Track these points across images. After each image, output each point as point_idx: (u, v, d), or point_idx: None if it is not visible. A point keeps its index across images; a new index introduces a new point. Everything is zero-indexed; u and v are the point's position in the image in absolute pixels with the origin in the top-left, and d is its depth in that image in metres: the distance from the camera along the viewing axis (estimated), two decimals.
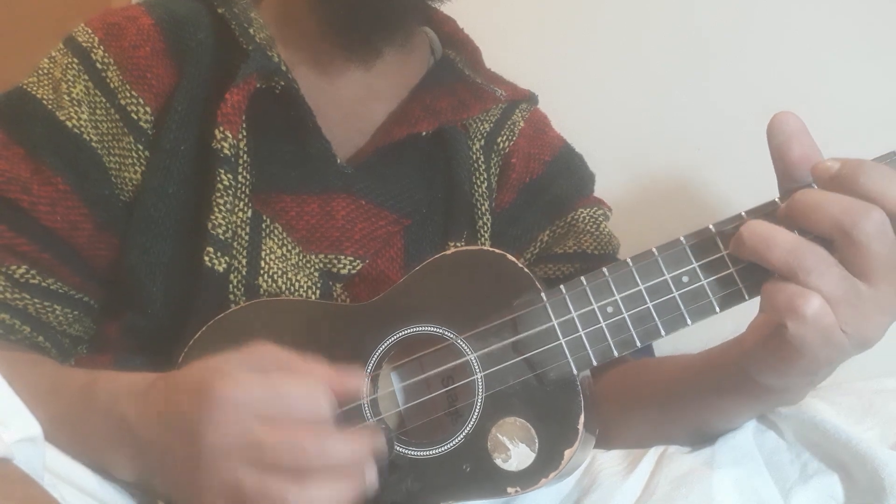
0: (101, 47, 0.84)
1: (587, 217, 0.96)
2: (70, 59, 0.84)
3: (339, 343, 0.75)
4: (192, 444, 0.61)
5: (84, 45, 0.84)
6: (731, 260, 0.64)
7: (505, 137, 0.97)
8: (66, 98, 0.82)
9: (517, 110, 1.00)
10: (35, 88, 0.83)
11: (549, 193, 0.97)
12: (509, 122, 0.98)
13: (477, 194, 0.92)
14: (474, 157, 0.93)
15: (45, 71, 0.84)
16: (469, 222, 0.92)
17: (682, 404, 0.79)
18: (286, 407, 0.61)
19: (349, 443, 0.61)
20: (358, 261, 0.86)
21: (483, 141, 0.95)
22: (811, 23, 1.21)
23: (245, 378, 0.61)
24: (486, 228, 0.92)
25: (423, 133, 0.90)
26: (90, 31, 0.85)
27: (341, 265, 0.86)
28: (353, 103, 0.92)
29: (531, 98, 1.04)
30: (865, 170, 0.59)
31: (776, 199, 0.64)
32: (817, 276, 0.58)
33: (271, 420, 0.60)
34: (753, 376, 0.68)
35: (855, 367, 0.66)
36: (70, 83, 0.83)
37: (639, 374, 0.88)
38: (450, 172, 0.92)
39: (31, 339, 0.81)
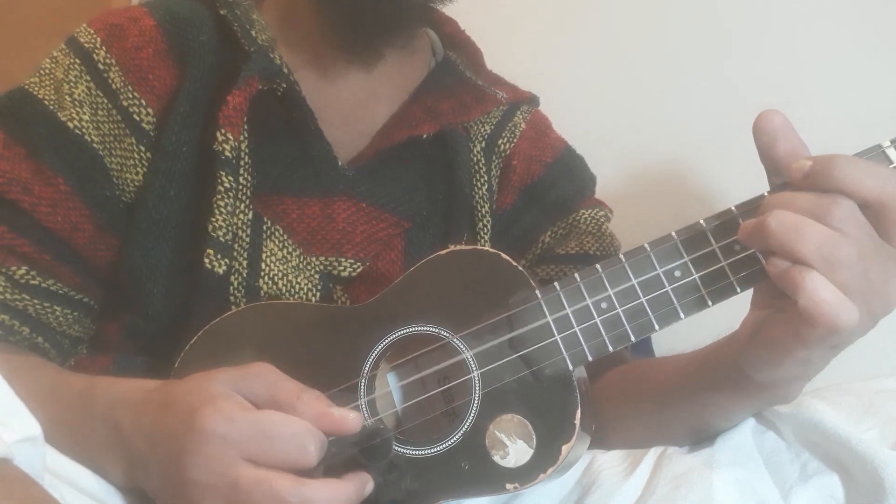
0: (104, 48, 0.84)
1: (589, 218, 0.96)
2: (72, 60, 0.84)
3: (335, 344, 0.75)
4: (176, 471, 0.62)
5: (86, 45, 0.85)
6: (722, 254, 0.64)
7: (506, 139, 0.97)
8: (68, 99, 0.82)
9: (518, 112, 1.00)
10: (37, 89, 0.83)
11: (550, 195, 0.97)
12: (510, 125, 0.98)
13: (477, 196, 0.92)
14: (475, 159, 0.93)
15: (47, 71, 0.84)
16: (469, 224, 0.92)
17: (679, 403, 0.79)
18: (272, 449, 0.61)
19: (330, 492, 0.61)
20: (358, 263, 0.86)
21: (484, 143, 0.95)
22: (806, 20, 1.21)
23: (234, 412, 0.61)
24: (486, 230, 0.92)
25: (424, 136, 0.90)
26: (92, 31, 0.85)
27: (342, 268, 0.86)
28: (355, 105, 0.92)
29: (532, 100, 1.03)
30: (838, 163, 0.59)
31: (765, 193, 0.64)
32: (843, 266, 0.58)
33: (256, 459, 0.61)
34: (749, 372, 0.68)
35: (855, 367, 0.66)
36: (72, 84, 0.83)
37: (637, 374, 0.87)
38: (450, 175, 0.92)
39: (30, 339, 0.81)
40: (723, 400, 0.74)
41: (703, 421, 0.78)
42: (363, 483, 0.65)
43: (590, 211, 0.97)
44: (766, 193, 0.64)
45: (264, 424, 0.61)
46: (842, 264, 0.57)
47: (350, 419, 0.64)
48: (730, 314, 0.70)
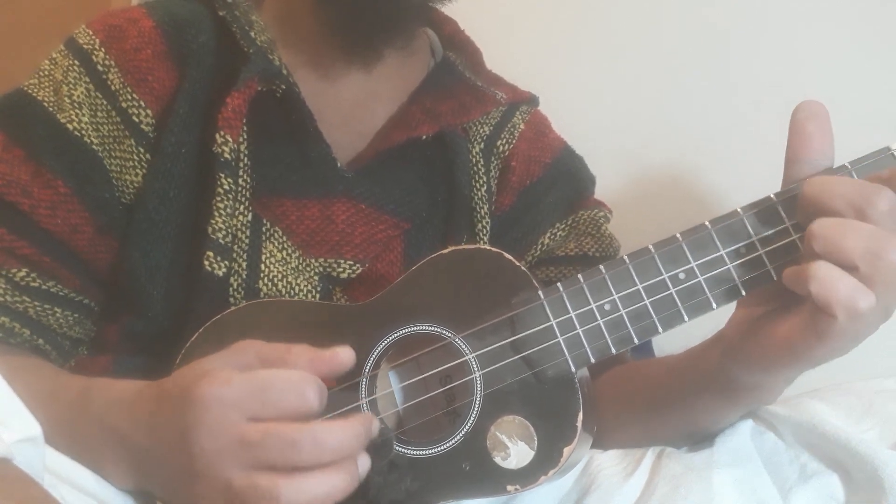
0: (103, 49, 0.84)
1: (588, 219, 0.96)
2: (71, 62, 0.84)
3: (336, 343, 0.74)
4: (183, 451, 0.61)
5: (85, 47, 0.84)
6: (727, 256, 0.64)
7: (505, 140, 0.97)
8: (67, 100, 0.82)
9: (517, 113, 1.00)
10: (36, 90, 0.83)
11: (549, 196, 0.97)
12: (509, 125, 0.98)
13: (477, 197, 0.92)
14: (474, 160, 0.93)
15: (46, 73, 0.84)
16: (469, 225, 0.92)
17: (667, 405, 0.80)
18: (273, 402, 0.60)
19: (340, 432, 0.61)
20: (358, 265, 0.86)
21: (483, 144, 0.95)
22: (806, 20, 1.21)
23: (229, 376, 0.61)
24: (485, 231, 0.92)
25: (424, 137, 0.90)
26: (91, 32, 0.85)
27: (341, 269, 0.86)
28: (354, 106, 0.92)
29: (532, 100, 1.03)
30: None
31: (771, 195, 0.64)
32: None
33: (259, 415, 0.60)
34: (735, 373, 0.68)
35: (855, 368, 0.66)
36: (71, 85, 0.83)
37: (630, 375, 0.88)
38: (450, 176, 0.92)
39: (31, 341, 0.80)
40: (707, 402, 0.75)
41: (691, 422, 0.78)
42: (369, 419, 0.64)
43: (589, 212, 0.97)
44: (772, 196, 0.64)
45: (260, 380, 0.61)
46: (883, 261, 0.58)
47: (340, 354, 0.64)
48: (729, 314, 0.70)
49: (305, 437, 0.59)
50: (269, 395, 0.60)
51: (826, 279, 0.58)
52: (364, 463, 0.63)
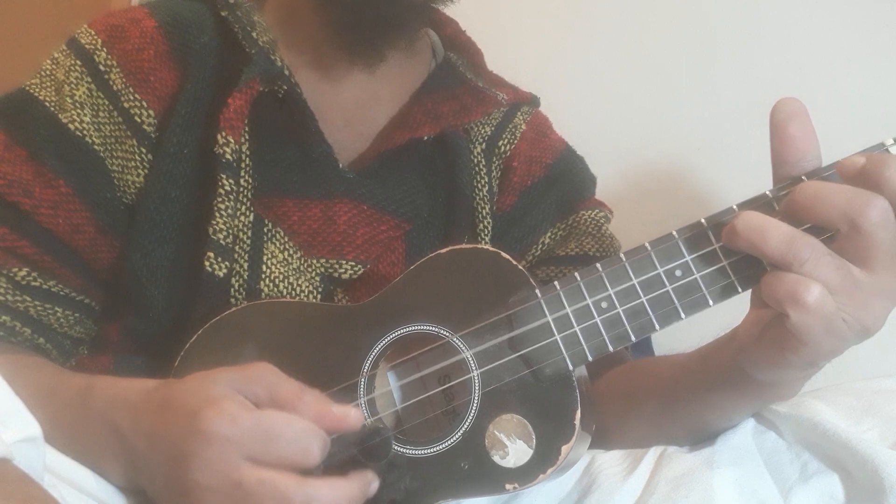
0: (105, 49, 0.84)
1: (588, 219, 0.96)
2: (73, 61, 0.84)
3: (335, 343, 0.75)
4: (178, 473, 0.61)
5: (87, 47, 0.85)
6: (723, 253, 0.64)
7: (506, 141, 0.97)
8: (69, 100, 0.82)
9: (519, 113, 1.00)
10: (37, 90, 0.83)
11: (550, 196, 0.97)
12: (510, 126, 0.98)
13: (478, 198, 0.92)
14: (475, 160, 0.93)
15: (48, 73, 0.84)
16: (470, 226, 0.92)
17: (678, 403, 0.79)
18: (275, 449, 0.61)
19: (335, 491, 0.61)
20: (359, 265, 0.86)
21: (484, 144, 0.95)
22: (806, 20, 1.21)
23: (235, 412, 0.61)
24: (487, 232, 0.92)
25: (425, 138, 0.90)
26: (93, 32, 0.85)
27: (343, 270, 0.86)
28: (356, 107, 0.92)
29: (533, 101, 1.03)
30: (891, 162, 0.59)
31: (767, 192, 0.64)
32: (813, 264, 0.58)
33: (259, 459, 0.60)
34: (749, 372, 0.68)
35: (855, 368, 0.66)
36: (73, 85, 0.83)
37: (637, 373, 0.87)
38: (451, 176, 0.92)
39: (32, 341, 0.81)
40: (722, 399, 0.74)
41: (702, 420, 0.78)
42: (367, 482, 0.65)
43: (590, 212, 0.97)
44: (767, 192, 0.64)
45: (267, 424, 0.61)
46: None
47: (351, 416, 0.64)
48: (729, 313, 0.70)
49: (299, 496, 0.59)
50: (273, 443, 0.61)
51: (767, 281, 0.60)
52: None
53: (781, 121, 0.63)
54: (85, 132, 0.83)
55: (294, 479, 0.60)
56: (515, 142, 0.98)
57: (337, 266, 0.86)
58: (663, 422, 0.81)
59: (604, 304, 0.67)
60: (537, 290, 0.70)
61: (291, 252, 0.85)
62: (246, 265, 0.83)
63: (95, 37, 0.85)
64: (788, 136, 0.63)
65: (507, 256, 0.72)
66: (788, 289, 0.59)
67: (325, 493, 0.61)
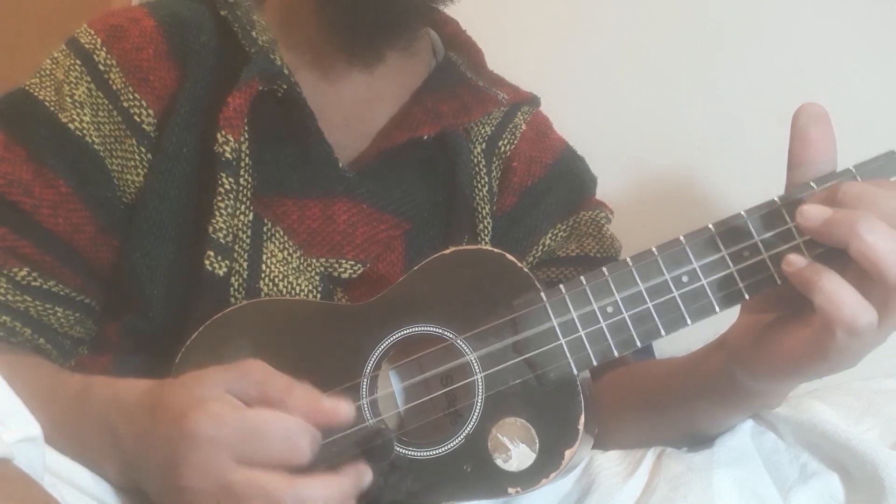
0: (104, 49, 0.84)
1: (589, 220, 0.96)
2: (73, 61, 0.84)
3: (337, 343, 0.75)
4: (170, 478, 0.62)
5: (87, 46, 0.84)
6: (731, 259, 0.64)
7: (506, 141, 0.97)
8: (69, 100, 0.82)
9: (519, 113, 0.99)
10: (37, 90, 0.83)
11: (550, 197, 0.97)
12: (511, 126, 0.98)
13: (478, 198, 0.92)
14: (475, 160, 0.93)
15: (48, 72, 0.84)
16: (470, 226, 0.92)
17: (668, 408, 0.80)
18: (264, 449, 0.60)
19: (325, 488, 0.61)
20: (359, 265, 0.86)
21: (484, 144, 0.94)
22: (810, 24, 1.21)
23: (223, 413, 0.61)
24: (487, 232, 0.92)
25: (425, 137, 0.89)
26: (93, 32, 0.85)
27: (342, 269, 0.85)
28: (355, 106, 0.92)
29: (533, 101, 1.03)
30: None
31: (776, 199, 0.64)
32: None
33: (247, 460, 0.60)
34: (741, 379, 0.68)
35: (855, 368, 0.66)
36: (72, 85, 0.83)
37: (631, 377, 0.88)
38: (451, 176, 0.92)
39: (32, 341, 0.81)
40: (710, 406, 0.75)
41: (692, 425, 0.78)
42: (360, 475, 0.65)
43: (590, 212, 0.97)
44: (776, 199, 0.64)
45: (253, 423, 0.61)
46: None
47: (341, 410, 0.64)
48: (731, 317, 0.70)
49: (289, 495, 0.59)
50: (261, 442, 0.60)
51: (832, 292, 0.58)
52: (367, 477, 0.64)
53: (804, 124, 0.63)
54: (85, 132, 0.82)
55: (283, 478, 0.60)
56: (515, 142, 0.97)
57: (336, 265, 0.86)
58: (655, 426, 0.82)
59: (609, 309, 0.67)
60: (542, 294, 0.69)
61: (291, 251, 0.85)
62: (245, 264, 0.82)
63: (95, 36, 0.85)
64: (810, 139, 0.63)
65: (512, 258, 0.72)
66: (851, 312, 0.57)
67: (316, 490, 0.60)
